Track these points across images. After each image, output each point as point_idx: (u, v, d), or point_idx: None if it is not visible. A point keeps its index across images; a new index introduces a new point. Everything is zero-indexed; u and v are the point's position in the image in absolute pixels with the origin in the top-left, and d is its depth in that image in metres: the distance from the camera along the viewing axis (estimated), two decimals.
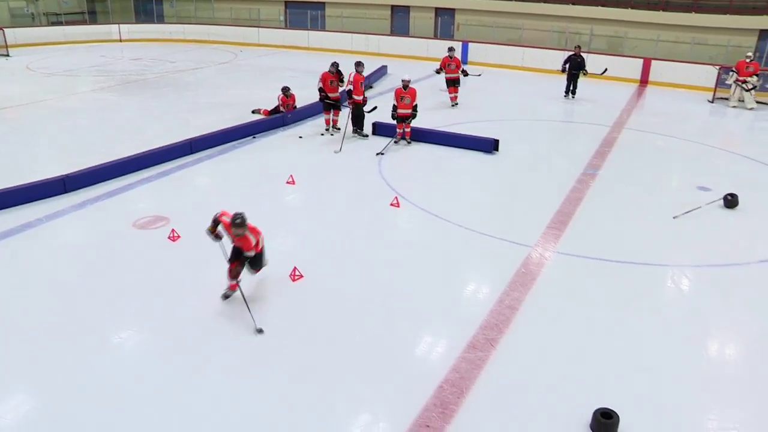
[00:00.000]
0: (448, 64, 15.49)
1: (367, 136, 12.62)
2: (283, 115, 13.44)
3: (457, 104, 15.64)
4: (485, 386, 5.28)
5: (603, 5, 22.25)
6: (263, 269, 6.57)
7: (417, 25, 25.95)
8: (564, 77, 17.31)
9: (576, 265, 7.60)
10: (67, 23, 27.29)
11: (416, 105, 12.13)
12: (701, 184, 10.37)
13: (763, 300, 6.98)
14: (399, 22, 26.49)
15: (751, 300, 6.99)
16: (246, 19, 28.44)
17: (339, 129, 12.86)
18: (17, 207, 8.65)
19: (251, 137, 12.41)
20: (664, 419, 4.97)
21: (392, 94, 12.43)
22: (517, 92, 18.69)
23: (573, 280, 7.27)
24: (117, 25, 27.24)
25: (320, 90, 12.62)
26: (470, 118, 14.56)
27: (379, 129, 12.75)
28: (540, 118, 15.47)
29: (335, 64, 12.71)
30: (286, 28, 28.00)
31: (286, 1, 28.38)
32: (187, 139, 11.29)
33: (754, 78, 16.65)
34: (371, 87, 16.89)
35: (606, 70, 17.41)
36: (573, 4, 22.65)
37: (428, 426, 4.78)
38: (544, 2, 23.10)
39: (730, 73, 17.21)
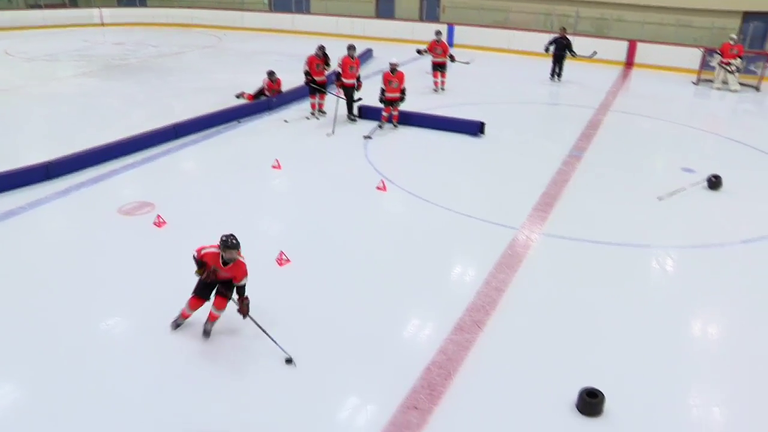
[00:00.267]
0: (435, 48, 15.37)
1: (355, 119, 12.56)
2: (268, 99, 13.35)
3: (443, 89, 15.53)
4: (472, 368, 5.32)
5: None
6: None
7: (402, 7, 25.77)
8: (550, 60, 17.31)
9: (562, 246, 7.65)
10: (47, 6, 26.81)
11: (404, 89, 12.08)
12: (686, 166, 10.44)
13: (745, 280, 7.08)
14: (384, 5, 26.28)
15: (734, 280, 7.10)
16: (230, 3, 28.08)
17: (325, 113, 12.78)
18: None
19: (236, 122, 12.32)
20: (649, 398, 5.05)
21: (379, 78, 12.37)
22: (503, 75, 18.66)
23: (559, 261, 7.32)
24: (98, 8, 26.84)
25: (306, 74, 12.52)
26: (456, 101, 14.53)
27: (366, 112, 12.69)
28: (526, 101, 15.47)
29: (321, 48, 12.61)
30: (270, 11, 27.71)
31: None
32: (172, 124, 11.18)
33: (738, 60, 16.73)
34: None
35: (595, 53, 17.40)
36: None
37: (416, 407, 4.81)
38: None
39: (715, 55, 17.30)
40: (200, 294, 5.62)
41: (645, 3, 21.17)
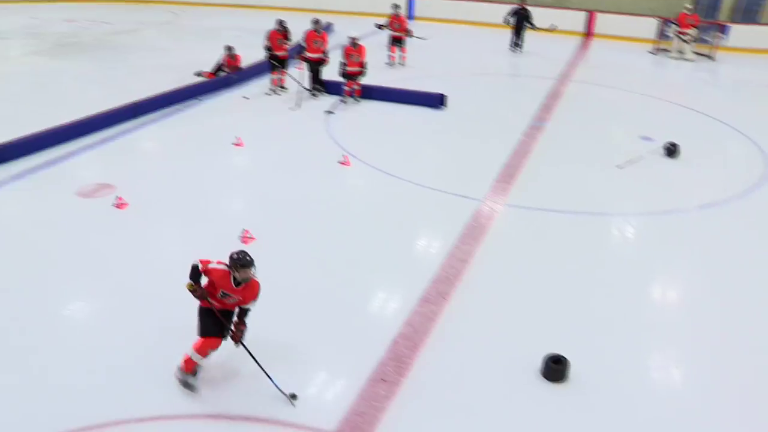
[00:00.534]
0: (393, 23, 15.23)
1: (316, 95, 12.42)
2: (228, 75, 13.12)
3: (403, 64, 15.43)
4: (438, 339, 5.40)
5: None
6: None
7: None
8: (510, 31, 17.33)
9: (525, 217, 7.77)
10: None
11: (365, 62, 12.00)
12: (644, 134, 10.65)
13: (702, 244, 7.33)
14: None
15: (692, 244, 7.33)
16: None
17: (286, 89, 12.63)
18: None
19: (196, 99, 12.09)
20: (612, 362, 5.21)
21: (340, 52, 12.25)
22: (464, 47, 18.62)
23: (522, 231, 7.46)
24: None
25: (267, 49, 12.32)
26: (418, 74, 14.50)
27: (328, 87, 12.57)
28: (486, 72, 15.52)
29: (281, 22, 12.42)
30: None
31: None
32: (131, 103, 10.92)
33: (694, 30, 17.03)
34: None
35: (555, 26, 17.48)
36: None
37: (384, 380, 4.87)
38: None
39: (671, 25, 17.55)
40: (216, 331, 4.68)
41: None
